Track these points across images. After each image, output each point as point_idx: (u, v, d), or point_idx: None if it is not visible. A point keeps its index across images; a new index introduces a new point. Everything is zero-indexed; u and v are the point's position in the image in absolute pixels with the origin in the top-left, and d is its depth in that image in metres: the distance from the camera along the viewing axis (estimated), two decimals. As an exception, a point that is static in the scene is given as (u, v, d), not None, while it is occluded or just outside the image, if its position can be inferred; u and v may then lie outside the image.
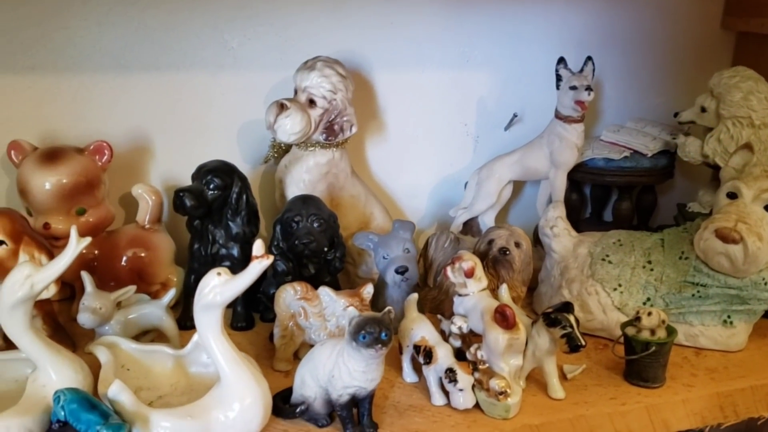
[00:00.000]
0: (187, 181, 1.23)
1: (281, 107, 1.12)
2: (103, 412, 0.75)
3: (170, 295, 1.03)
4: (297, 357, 1.01)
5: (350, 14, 1.24)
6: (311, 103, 1.14)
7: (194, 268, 1.10)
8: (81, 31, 1.12)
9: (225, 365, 0.80)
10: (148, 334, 1.04)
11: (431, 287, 1.15)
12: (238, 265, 1.08)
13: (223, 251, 1.08)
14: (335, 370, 0.83)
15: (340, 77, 1.14)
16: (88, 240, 0.81)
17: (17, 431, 0.77)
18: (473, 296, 0.96)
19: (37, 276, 0.79)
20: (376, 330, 0.79)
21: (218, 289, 0.78)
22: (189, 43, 1.17)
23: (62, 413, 0.76)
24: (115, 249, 1.11)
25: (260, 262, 0.77)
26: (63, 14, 1.11)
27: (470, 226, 1.32)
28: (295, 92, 1.16)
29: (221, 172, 1.05)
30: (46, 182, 1.04)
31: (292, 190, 1.18)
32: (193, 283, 1.10)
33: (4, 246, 0.89)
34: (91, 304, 0.97)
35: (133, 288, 1.03)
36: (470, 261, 0.95)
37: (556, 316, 0.90)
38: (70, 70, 1.13)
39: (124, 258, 1.11)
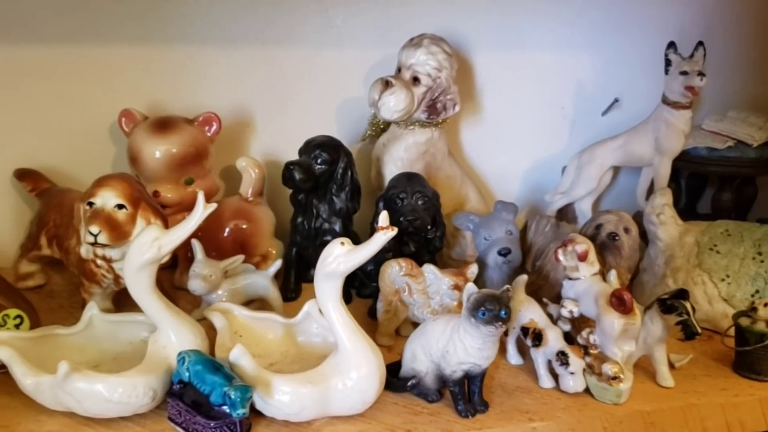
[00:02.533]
0: (285, 156, 1.25)
1: (386, 84, 1.11)
2: (227, 375, 0.76)
3: (276, 266, 1.05)
4: (398, 333, 1.02)
5: (453, -8, 1.23)
6: (415, 80, 1.13)
7: (296, 241, 1.11)
8: (191, 2, 1.14)
9: (343, 334, 0.80)
10: (251, 304, 1.05)
11: (529, 271, 1.14)
12: None
13: (326, 225, 1.09)
14: (450, 345, 0.82)
15: (446, 55, 1.13)
16: (214, 206, 0.82)
17: (142, 389, 0.79)
18: (585, 280, 0.94)
19: (164, 239, 0.81)
20: (496, 307, 0.78)
21: (341, 258, 0.78)
22: (294, 19, 1.18)
23: (186, 374, 0.77)
24: (219, 220, 1.13)
25: (385, 233, 0.77)
26: (175, -15, 1.13)
27: (565, 212, 1.30)
28: (399, 70, 1.15)
29: (329, 147, 1.06)
30: (157, 151, 1.07)
31: (390, 169, 1.18)
32: (295, 256, 1.12)
33: (124, 210, 0.91)
34: (202, 271, 0.99)
35: (241, 257, 1.04)
36: (584, 244, 0.93)
37: (672, 303, 0.88)
38: (178, 41, 1.15)
39: (227, 229, 1.13)
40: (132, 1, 1.11)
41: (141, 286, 0.82)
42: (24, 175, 1.12)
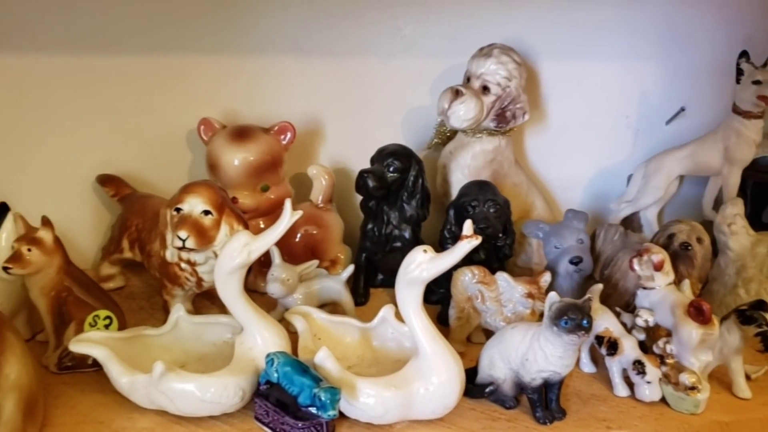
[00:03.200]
0: (352, 163, 1.28)
1: (456, 93, 1.13)
2: (315, 376, 0.79)
3: (348, 270, 1.07)
4: (469, 340, 1.03)
5: (521, 3, 1.24)
6: (485, 89, 1.15)
7: (366, 247, 1.13)
8: (267, 14, 1.17)
9: (424, 340, 0.82)
10: (323, 308, 1.08)
11: (597, 280, 1.14)
12: (409, 247, 1.10)
13: (396, 232, 1.11)
14: (530, 353, 0.84)
15: (516, 64, 1.15)
16: (300, 213, 0.85)
17: (233, 389, 0.82)
18: (660, 290, 0.95)
19: (253, 244, 0.84)
20: (578, 316, 0.80)
21: (424, 265, 0.80)
22: (365, 30, 1.21)
23: (275, 375, 0.80)
24: (291, 226, 1.15)
25: (469, 241, 0.79)
26: (254, -1, 1.17)
27: (630, 221, 1.30)
28: (468, 79, 1.17)
29: (401, 155, 1.08)
30: (235, 159, 1.10)
31: (456, 176, 1.20)
32: (364, 262, 1.14)
33: (210, 216, 0.94)
34: (280, 275, 1.02)
35: (316, 262, 1.07)
36: (660, 254, 0.94)
37: (751, 314, 0.88)
38: (253, 52, 1.19)
39: (299, 234, 1.15)
40: (212, 15, 1.15)
41: (230, 289, 0.85)
42: (107, 180, 1.16)
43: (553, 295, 0.82)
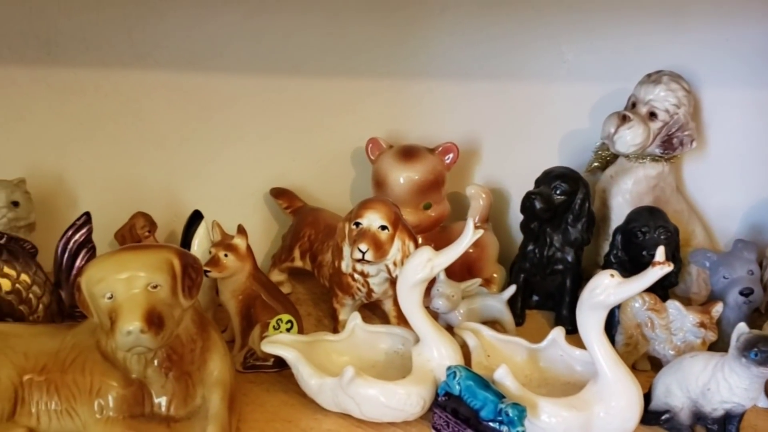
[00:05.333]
0: (506, 184, 1.31)
1: (623, 119, 1.13)
2: (497, 392, 0.81)
3: (510, 291, 1.09)
4: (633, 367, 1.03)
5: (687, 30, 1.23)
6: (652, 115, 1.14)
7: (525, 268, 1.15)
8: (435, 39, 1.22)
9: (605, 364, 0.83)
10: (483, 326, 1.10)
11: (762, 312, 1.11)
12: (571, 270, 1.13)
13: (558, 254, 1.12)
14: (712, 383, 0.83)
15: (685, 92, 1.14)
16: (481, 232, 0.88)
17: (415, 398, 0.85)
18: None
19: (436, 260, 0.87)
20: (769, 349, 0.78)
21: (611, 290, 0.81)
22: (527, 54, 1.23)
23: (457, 388, 0.83)
24: (449, 243, 1.18)
25: (661, 268, 0.80)
26: (420, 24, 1.21)
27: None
28: (633, 104, 1.17)
29: (569, 178, 1.09)
30: (401, 177, 1.14)
31: (617, 201, 1.20)
32: (522, 283, 1.15)
33: (386, 231, 0.99)
34: (445, 291, 1.05)
35: (478, 280, 1.10)
36: None
37: None
38: (420, 75, 1.24)
39: (456, 252, 1.19)
40: (382, 39, 1.21)
41: (412, 302, 0.89)
42: (280, 193, 1.24)
43: (741, 326, 0.81)
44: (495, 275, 1.21)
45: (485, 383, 0.83)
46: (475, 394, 0.81)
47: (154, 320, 0.73)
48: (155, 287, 0.75)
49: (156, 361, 0.79)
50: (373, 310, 1.15)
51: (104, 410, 0.79)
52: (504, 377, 0.84)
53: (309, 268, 1.16)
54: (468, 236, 0.87)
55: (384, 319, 1.12)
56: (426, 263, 0.87)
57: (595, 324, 0.83)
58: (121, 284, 0.74)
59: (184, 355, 0.81)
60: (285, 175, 1.26)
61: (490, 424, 0.80)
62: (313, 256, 1.14)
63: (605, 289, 0.81)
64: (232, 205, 1.25)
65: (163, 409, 0.81)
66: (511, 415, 0.77)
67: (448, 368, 0.85)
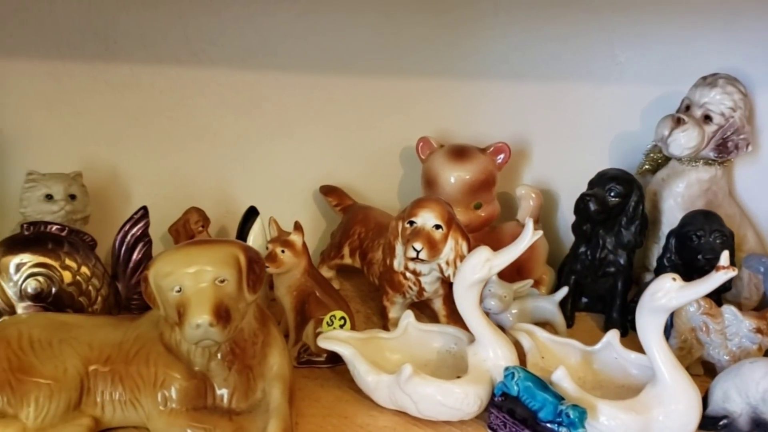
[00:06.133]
0: (554, 185, 1.31)
1: (678, 122, 1.13)
2: (556, 393, 0.81)
3: (563, 292, 1.09)
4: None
5: (740, 32, 1.21)
6: (706, 118, 1.13)
7: (576, 269, 1.14)
8: (488, 40, 1.22)
9: (664, 368, 0.82)
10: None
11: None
12: (623, 273, 1.13)
13: (611, 257, 1.11)
14: (774, 390, 0.82)
15: (741, 95, 1.13)
16: (540, 233, 0.88)
17: (473, 398, 0.86)
18: None
19: (494, 260, 0.88)
20: (834, 356, 0.78)
21: (673, 294, 0.80)
22: (581, 56, 1.23)
23: (515, 388, 0.83)
24: (498, 244, 1.16)
25: (726, 272, 0.79)
26: (473, 25, 1.21)
27: None
28: (687, 107, 1.16)
29: (623, 180, 1.09)
30: (452, 176, 1.15)
31: (669, 204, 1.19)
32: (573, 285, 1.15)
33: (440, 230, 0.99)
34: (497, 291, 1.05)
35: (530, 281, 1.10)
36: None
37: None
38: (471, 75, 1.24)
39: (506, 253, 1.19)
40: (434, 39, 1.21)
41: (469, 302, 0.89)
42: (330, 191, 1.25)
43: (807, 334, 0.81)
44: (545, 276, 1.21)
45: (544, 384, 0.83)
46: (533, 395, 0.82)
47: (222, 314, 0.74)
48: (222, 281, 0.76)
49: (219, 355, 0.80)
50: (422, 309, 1.15)
51: (168, 402, 0.80)
52: (562, 379, 0.84)
53: (358, 266, 1.17)
54: (527, 237, 0.87)
55: (433, 318, 1.12)
56: (484, 263, 0.87)
57: (656, 327, 0.83)
58: (190, 278, 0.75)
59: (246, 349, 0.82)
60: (332, 173, 1.27)
61: (548, 425, 0.80)
62: (363, 254, 1.15)
63: (667, 293, 0.81)
64: (281, 202, 1.26)
65: (225, 401, 0.82)
66: (572, 416, 0.77)
67: (506, 369, 0.85)
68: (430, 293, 1.06)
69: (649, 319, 0.83)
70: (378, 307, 1.15)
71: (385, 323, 1.10)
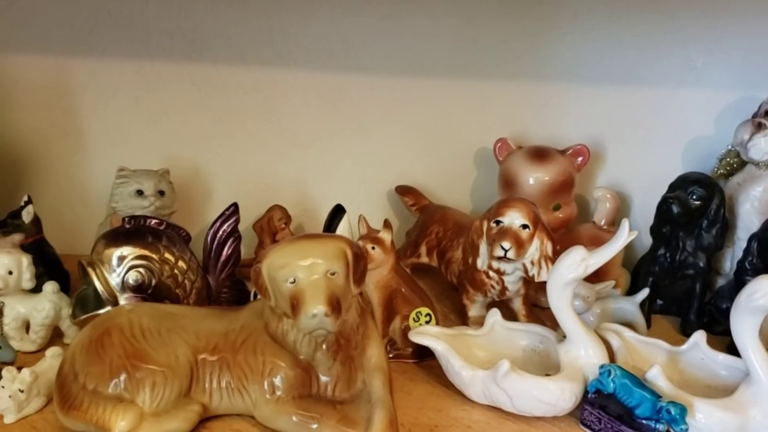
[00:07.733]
0: (628, 188, 1.32)
1: (758, 126, 1.13)
2: (653, 391, 0.83)
3: (643, 294, 1.10)
4: None
5: (819, 37, 1.23)
6: (787, 124, 1.14)
7: (654, 272, 1.15)
8: (566, 43, 1.24)
9: (759, 368, 0.83)
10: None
11: None
12: (702, 275, 1.13)
13: (690, 260, 1.12)
14: None
15: (824, 101, 1.13)
16: (636, 233, 0.89)
17: (568, 394, 0.87)
18: None
19: (590, 260, 0.89)
20: None
21: (774, 295, 0.82)
22: (657, 60, 1.24)
23: (611, 386, 0.84)
24: (575, 245, 1.20)
25: (824, 275, 0.80)
26: (551, 28, 1.23)
27: None
28: (766, 112, 1.17)
29: (705, 183, 1.10)
30: (531, 177, 1.17)
31: (745, 208, 1.19)
32: (651, 287, 1.16)
33: (527, 230, 1.01)
34: (581, 292, 1.06)
35: (612, 282, 1.11)
36: None
37: None
38: (549, 78, 1.26)
39: (582, 254, 1.20)
40: (513, 43, 1.24)
41: (562, 300, 0.91)
42: (407, 191, 1.28)
43: None
44: (620, 279, 1.22)
45: (640, 382, 0.84)
46: (630, 393, 0.83)
47: (335, 305, 0.77)
48: (333, 274, 0.79)
49: (325, 345, 0.83)
50: (500, 308, 1.17)
51: (275, 390, 0.83)
52: (657, 377, 0.86)
53: (435, 265, 1.19)
54: (623, 237, 0.88)
55: (510, 318, 1.14)
56: (580, 262, 0.89)
57: (751, 328, 0.84)
58: (304, 270, 0.78)
59: (350, 340, 0.85)
60: (407, 173, 1.30)
61: (645, 421, 0.82)
62: (441, 253, 1.17)
63: (765, 294, 0.82)
64: (357, 201, 1.28)
65: (329, 391, 0.84)
66: (673, 413, 0.79)
67: (602, 366, 0.86)
68: (512, 293, 1.08)
69: (745, 319, 0.84)
70: (454, 306, 1.16)
71: (464, 321, 1.12)
